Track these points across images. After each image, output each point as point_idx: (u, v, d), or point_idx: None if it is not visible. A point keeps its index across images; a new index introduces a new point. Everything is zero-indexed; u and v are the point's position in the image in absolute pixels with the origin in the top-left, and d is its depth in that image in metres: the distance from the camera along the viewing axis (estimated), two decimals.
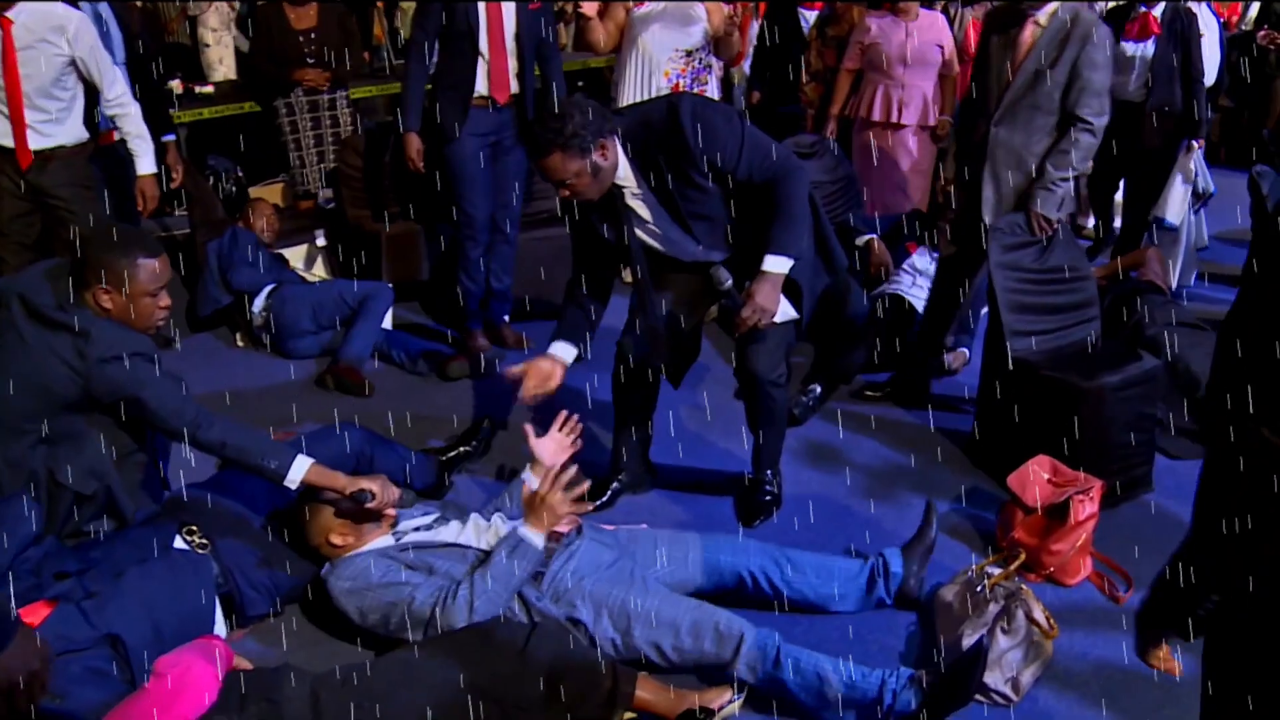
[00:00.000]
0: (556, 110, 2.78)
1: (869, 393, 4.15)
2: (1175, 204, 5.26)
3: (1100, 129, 3.50)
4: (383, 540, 2.74)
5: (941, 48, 5.15)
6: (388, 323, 4.62)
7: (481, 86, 4.16)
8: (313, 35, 5.49)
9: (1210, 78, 5.55)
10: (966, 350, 4.40)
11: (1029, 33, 3.54)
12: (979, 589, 2.67)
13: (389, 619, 2.57)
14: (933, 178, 5.32)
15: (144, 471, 2.85)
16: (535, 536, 2.60)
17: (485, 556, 2.63)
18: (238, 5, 6.91)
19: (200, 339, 4.82)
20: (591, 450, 3.38)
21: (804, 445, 3.79)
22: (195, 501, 2.89)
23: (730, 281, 3.04)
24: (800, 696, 2.45)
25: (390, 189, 5.14)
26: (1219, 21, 6.01)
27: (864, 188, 5.17)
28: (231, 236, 4.72)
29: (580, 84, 7.56)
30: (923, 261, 4.59)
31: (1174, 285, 5.23)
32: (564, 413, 3.05)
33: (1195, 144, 5.25)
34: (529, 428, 2.99)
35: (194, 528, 2.74)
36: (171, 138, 4.74)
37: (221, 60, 6.87)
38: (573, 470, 2.69)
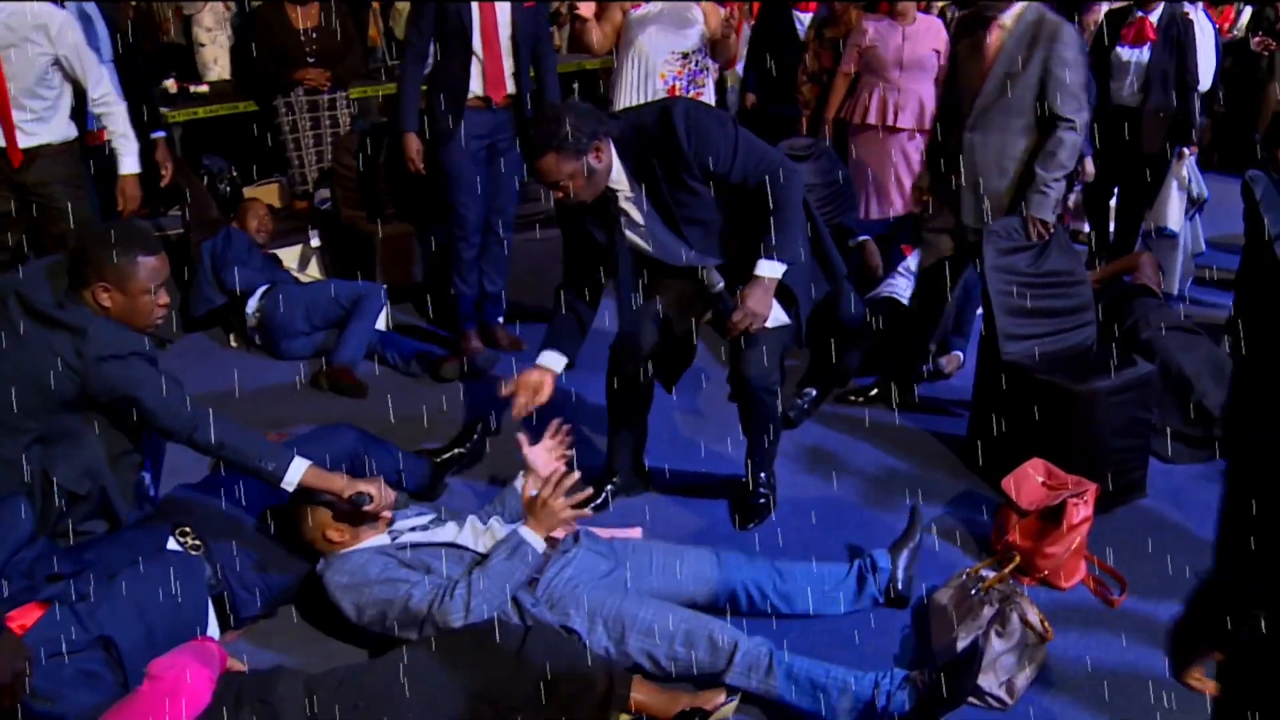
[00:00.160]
0: (550, 112, 2.78)
1: (853, 397, 4.16)
2: (1173, 211, 5.27)
3: (1083, 125, 3.52)
4: (379, 538, 2.73)
5: (938, 52, 5.15)
6: (382, 324, 4.62)
7: (476, 87, 4.15)
8: (314, 35, 5.48)
9: (1206, 83, 5.56)
10: (960, 354, 4.41)
11: (994, 37, 3.56)
12: (973, 592, 2.68)
13: (385, 616, 2.56)
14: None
15: (138, 473, 2.84)
16: (535, 539, 2.60)
17: (482, 558, 2.63)
18: (232, 5, 6.89)
19: (194, 339, 4.82)
20: (585, 453, 3.38)
21: (798, 448, 3.79)
22: (188, 503, 2.88)
23: (722, 284, 3.05)
24: (794, 702, 2.45)
25: (384, 190, 5.13)
26: (1214, 27, 6.04)
27: (859, 190, 5.17)
28: (225, 236, 4.71)
29: (575, 85, 7.56)
30: (918, 264, 4.59)
31: (1176, 291, 5.26)
32: (555, 421, 3.06)
33: (1187, 150, 5.27)
34: (522, 436, 2.99)
35: (187, 529, 2.73)
36: (161, 135, 4.73)
37: (216, 60, 6.85)
38: (575, 476, 2.69)
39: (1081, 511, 2.95)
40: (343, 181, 5.22)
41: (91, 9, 4.28)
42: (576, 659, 2.39)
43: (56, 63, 3.78)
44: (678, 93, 4.49)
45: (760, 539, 3.21)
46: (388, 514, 2.77)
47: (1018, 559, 2.94)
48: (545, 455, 2.99)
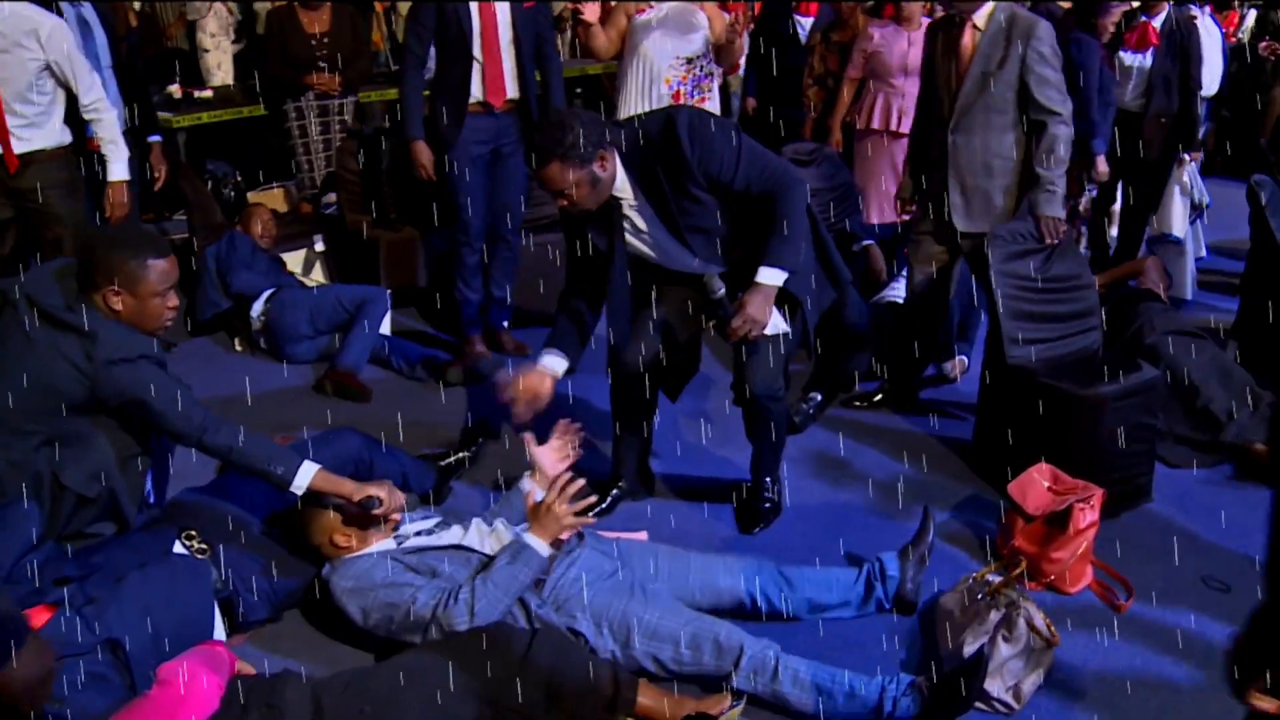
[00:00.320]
0: (557, 119, 2.78)
1: (857, 402, 4.16)
2: (1177, 217, 5.28)
3: (1069, 115, 3.53)
4: (385, 543, 2.73)
5: None
6: (386, 328, 4.62)
7: (477, 92, 4.13)
8: (325, 39, 5.48)
9: (1213, 87, 5.56)
10: (966, 358, 4.41)
11: (969, 37, 3.57)
12: (980, 597, 2.67)
13: (391, 619, 2.56)
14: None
15: (147, 476, 2.84)
16: (539, 544, 2.60)
17: (489, 561, 2.63)
18: (236, 10, 6.92)
19: (199, 343, 4.82)
20: (591, 457, 3.38)
21: (803, 453, 3.79)
22: (195, 506, 2.88)
23: (723, 290, 3.05)
24: (800, 706, 2.45)
25: (388, 195, 5.13)
26: (1221, 31, 6.03)
27: (863, 194, 5.18)
28: (230, 241, 4.72)
29: (579, 91, 7.57)
30: (907, 270, 4.59)
31: (1189, 297, 5.26)
32: (563, 421, 3.06)
33: (1189, 156, 5.27)
34: (529, 436, 2.99)
35: (193, 532, 2.73)
36: (157, 139, 4.72)
37: (220, 65, 6.88)
38: (580, 482, 2.68)
39: (1088, 516, 2.94)
40: (346, 185, 5.22)
41: (90, 14, 4.27)
42: (582, 662, 2.39)
43: (48, 68, 3.77)
44: (682, 98, 4.48)
45: (766, 543, 3.21)
46: (397, 517, 2.77)
47: (1024, 564, 2.92)
48: (553, 455, 2.99)
